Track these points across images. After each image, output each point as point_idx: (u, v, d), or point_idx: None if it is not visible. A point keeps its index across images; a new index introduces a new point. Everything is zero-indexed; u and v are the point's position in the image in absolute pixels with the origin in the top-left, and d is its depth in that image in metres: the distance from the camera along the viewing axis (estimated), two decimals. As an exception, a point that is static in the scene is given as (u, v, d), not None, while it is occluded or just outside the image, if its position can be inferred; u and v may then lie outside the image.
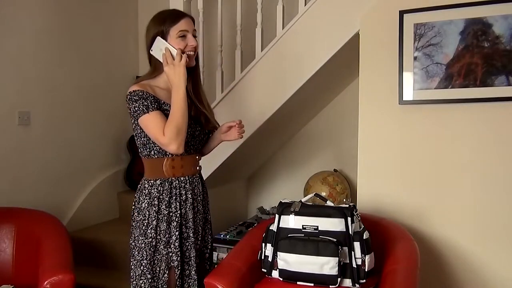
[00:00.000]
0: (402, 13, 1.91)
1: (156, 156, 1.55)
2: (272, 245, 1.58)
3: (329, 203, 1.60)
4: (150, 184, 1.56)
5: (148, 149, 1.55)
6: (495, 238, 1.83)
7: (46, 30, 2.74)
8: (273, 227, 1.60)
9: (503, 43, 1.76)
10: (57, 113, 2.85)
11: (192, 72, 1.61)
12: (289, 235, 1.54)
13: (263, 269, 1.61)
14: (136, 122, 1.51)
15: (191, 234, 1.58)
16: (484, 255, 1.84)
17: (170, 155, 1.54)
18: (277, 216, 1.60)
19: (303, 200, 1.63)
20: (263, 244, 1.61)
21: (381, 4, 1.99)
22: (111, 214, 3.30)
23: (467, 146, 1.86)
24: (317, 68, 2.17)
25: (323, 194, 2.78)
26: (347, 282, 1.48)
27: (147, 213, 1.54)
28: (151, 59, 1.57)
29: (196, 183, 1.62)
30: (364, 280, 1.48)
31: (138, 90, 1.48)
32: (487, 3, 1.77)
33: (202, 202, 1.66)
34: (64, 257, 1.82)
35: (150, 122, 1.46)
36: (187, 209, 1.58)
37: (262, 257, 1.61)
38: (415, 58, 1.90)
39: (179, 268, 1.53)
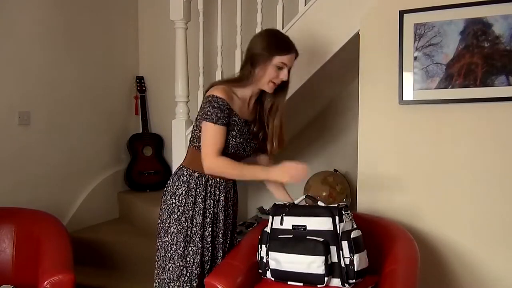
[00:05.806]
0: (402, 13, 1.90)
1: None
2: (266, 246, 1.58)
3: (320, 203, 1.59)
4: (188, 173, 1.61)
5: (201, 143, 1.59)
6: (494, 238, 1.82)
7: (46, 30, 2.74)
8: (267, 229, 1.61)
9: (503, 43, 1.75)
10: (57, 113, 2.85)
11: (277, 95, 1.66)
12: (279, 236, 1.55)
13: (259, 270, 1.61)
14: (201, 121, 1.56)
15: (220, 235, 1.65)
16: (484, 255, 1.84)
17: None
18: (270, 217, 1.61)
19: (296, 201, 1.65)
20: (259, 245, 1.62)
21: (381, 4, 1.99)
22: (111, 214, 3.30)
23: (467, 146, 1.86)
24: (317, 68, 2.17)
25: (324, 194, 2.82)
26: (336, 282, 1.46)
27: (183, 200, 1.59)
28: (245, 67, 1.61)
29: (229, 188, 1.68)
30: (354, 280, 1.45)
31: (221, 99, 1.52)
32: (487, 3, 1.76)
33: (233, 208, 1.72)
34: (64, 257, 1.82)
35: (211, 132, 1.52)
36: (219, 209, 1.64)
37: (259, 258, 1.61)
38: (415, 58, 1.90)
39: (209, 264, 1.59)
